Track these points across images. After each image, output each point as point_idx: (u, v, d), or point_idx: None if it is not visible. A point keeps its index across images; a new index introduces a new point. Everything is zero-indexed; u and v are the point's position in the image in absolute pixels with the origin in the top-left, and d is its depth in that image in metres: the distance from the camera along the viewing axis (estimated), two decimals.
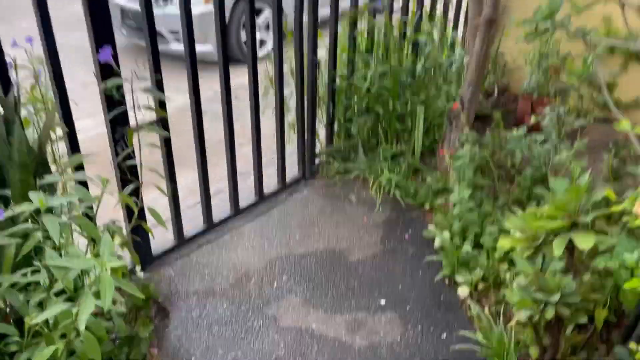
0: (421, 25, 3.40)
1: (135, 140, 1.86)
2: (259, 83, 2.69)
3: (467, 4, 2.81)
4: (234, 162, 2.72)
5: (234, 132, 2.64)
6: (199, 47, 2.64)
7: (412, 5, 3.39)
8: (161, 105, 2.21)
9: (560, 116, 2.53)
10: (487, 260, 2.37)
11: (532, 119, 2.67)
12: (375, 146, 3.28)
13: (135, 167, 1.99)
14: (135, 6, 5.13)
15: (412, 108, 3.13)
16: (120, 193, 1.86)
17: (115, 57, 1.97)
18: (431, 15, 3.49)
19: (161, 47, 5.28)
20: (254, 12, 2.52)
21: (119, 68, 2.00)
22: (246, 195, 2.95)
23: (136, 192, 2.00)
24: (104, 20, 1.92)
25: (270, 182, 3.07)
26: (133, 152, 1.97)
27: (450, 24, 3.84)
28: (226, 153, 2.69)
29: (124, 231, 1.90)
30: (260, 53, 5.48)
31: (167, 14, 5.08)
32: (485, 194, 2.82)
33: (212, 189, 2.71)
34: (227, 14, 5.26)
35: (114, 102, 1.99)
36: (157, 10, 5.37)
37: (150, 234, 2.17)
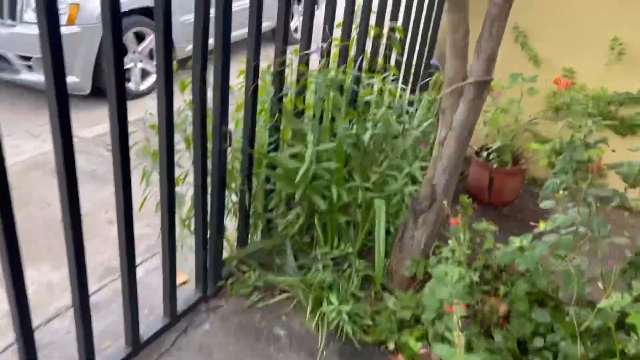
0: (360, 78, 2.54)
1: None
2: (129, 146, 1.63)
3: (445, 58, 1.99)
4: (84, 286, 1.57)
5: (81, 227, 1.49)
6: None
7: (350, 50, 2.52)
8: None
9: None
10: None
11: (541, 225, 1.86)
12: (309, 246, 2.32)
13: None
14: None
15: (362, 195, 2.22)
16: None
17: None
18: (373, 64, 2.64)
19: (7, 76, 4.04)
20: (120, 26, 1.47)
21: None
22: (112, 330, 1.84)
23: None
24: None
25: (153, 300, 1.97)
26: None
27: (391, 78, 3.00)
28: (69, 269, 1.55)
29: None
30: (143, 87, 4.44)
31: (15, 34, 3.78)
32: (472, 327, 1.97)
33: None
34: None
35: None
36: (1, 30, 4.08)
37: None
